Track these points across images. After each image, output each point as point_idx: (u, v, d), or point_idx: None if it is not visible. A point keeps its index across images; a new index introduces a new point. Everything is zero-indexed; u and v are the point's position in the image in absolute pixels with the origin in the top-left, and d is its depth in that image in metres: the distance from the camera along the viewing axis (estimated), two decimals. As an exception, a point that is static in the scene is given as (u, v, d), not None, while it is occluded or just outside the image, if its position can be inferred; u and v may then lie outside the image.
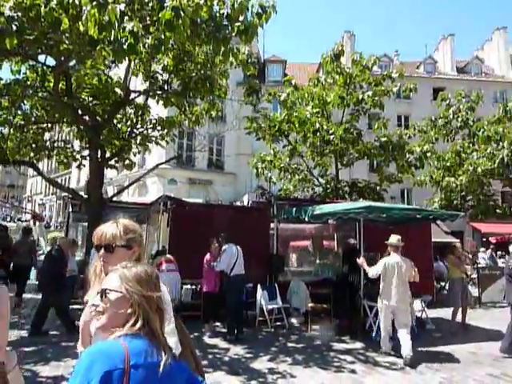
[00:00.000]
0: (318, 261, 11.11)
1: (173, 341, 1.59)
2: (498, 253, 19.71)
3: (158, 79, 9.04)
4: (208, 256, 7.17)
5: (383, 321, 6.06)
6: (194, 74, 8.38)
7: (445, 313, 8.96)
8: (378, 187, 12.94)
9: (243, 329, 6.97)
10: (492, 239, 22.35)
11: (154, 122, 10.30)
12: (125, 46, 4.56)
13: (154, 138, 10.51)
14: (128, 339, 1.21)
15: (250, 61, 8.37)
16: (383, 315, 6.05)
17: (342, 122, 12.52)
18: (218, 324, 7.69)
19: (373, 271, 6.16)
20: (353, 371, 5.32)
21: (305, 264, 11.58)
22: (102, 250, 1.68)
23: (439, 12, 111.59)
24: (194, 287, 8.00)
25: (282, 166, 13.21)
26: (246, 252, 7.20)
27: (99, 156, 9.13)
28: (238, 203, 16.17)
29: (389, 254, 6.24)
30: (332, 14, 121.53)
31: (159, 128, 10.35)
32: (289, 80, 12.49)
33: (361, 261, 6.55)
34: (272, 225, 9.02)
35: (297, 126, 11.81)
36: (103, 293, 1.27)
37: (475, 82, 27.38)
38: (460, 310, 7.78)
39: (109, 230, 1.70)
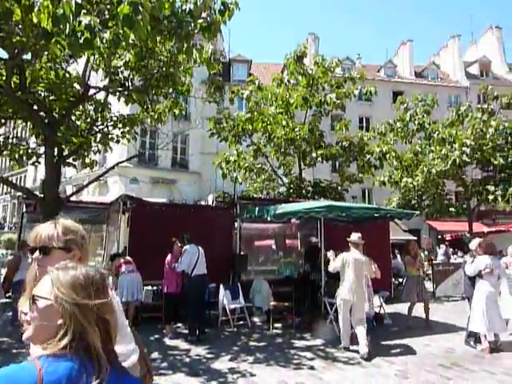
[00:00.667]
0: (281, 259, 11.23)
1: (130, 348, 1.52)
2: (451, 249, 20.75)
3: (119, 75, 8.79)
4: (169, 257, 7.07)
5: (341, 316, 6.19)
6: (155, 71, 8.23)
7: (402, 308, 9.32)
8: (339, 187, 13.25)
9: (205, 329, 6.94)
10: (447, 236, 23.49)
11: (114, 119, 10.01)
12: (81, 41, 4.41)
13: (114, 136, 10.21)
14: (48, 361, 0.98)
15: (213, 59, 8.32)
16: (341, 311, 6.18)
17: (305, 122, 12.72)
18: (179, 325, 7.62)
19: (331, 266, 6.33)
20: (312, 367, 5.42)
21: (268, 263, 11.68)
22: (37, 253, 1.53)
23: (400, 18, 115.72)
24: (155, 288, 7.86)
25: (246, 165, 13.24)
26: (209, 252, 7.17)
27: (56, 154, 8.76)
28: (203, 203, 16.05)
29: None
30: (298, 16, 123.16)
31: (120, 126, 10.06)
32: (252, 80, 12.54)
33: (330, 254, 6.62)
34: (235, 224, 9.04)
35: (260, 125, 11.88)
36: (32, 299, 1.09)
37: (432, 86, 28.62)
38: (417, 304, 8.11)
39: (45, 230, 1.56)
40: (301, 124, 12.55)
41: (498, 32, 34.03)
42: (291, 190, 12.95)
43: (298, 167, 13.11)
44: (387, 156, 13.28)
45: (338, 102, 11.93)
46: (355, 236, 6.33)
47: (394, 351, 6.09)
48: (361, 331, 5.89)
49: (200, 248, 6.92)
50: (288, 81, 12.28)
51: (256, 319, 8.33)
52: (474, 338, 6.34)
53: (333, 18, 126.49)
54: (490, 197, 14.08)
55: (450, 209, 15.84)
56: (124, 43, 5.84)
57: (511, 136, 14.01)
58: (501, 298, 6.58)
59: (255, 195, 13.62)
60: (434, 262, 15.03)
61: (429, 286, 12.71)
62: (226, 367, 5.36)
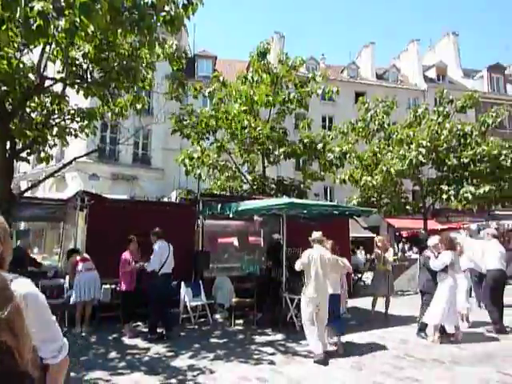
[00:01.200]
0: (244, 257, 11.27)
1: (59, 345, 1.49)
2: (407, 246, 21.64)
3: (77, 67, 8.47)
4: (127, 254, 6.90)
5: (305, 314, 5.85)
6: (116, 64, 8.00)
7: (360, 302, 9.64)
8: (302, 185, 13.46)
9: (171, 326, 6.88)
10: (403, 233, 24.44)
11: (72, 112, 9.65)
12: (34, 28, 4.22)
13: (72, 130, 9.85)
14: None
15: (177, 55, 8.20)
16: (306, 310, 5.83)
17: (269, 120, 12.80)
18: (138, 324, 7.49)
19: (297, 264, 6.01)
20: (273, 362, 5.50)
21: (231, 260, 11.69)
22: None
23: (363, 20, 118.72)
24: (113, 287, 7.68)
25: (210, 162, 13.16)
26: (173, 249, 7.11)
27: (8, 147, 8.34)
28: (166, 200, 15.80)
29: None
30: (265, 14, 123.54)
31: (79, 119, 9.71)
32: (217, 76, 12.47)
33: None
34: (198, 221, 8.98)
35: (224, 122, 11.84)
36: None
37: (392, 88, 29.57)
38: (383, 299, 8.43)
39: None
40: (264, 122, 12.62)
41: (455, 38, 35.65)
42: (255, 188, 13.01)
43: (262, 165, 13.19)
44: (347, 155, 13.61)
45: (302, 100, 12.08)
46: (316, 234, 6.16)
47: (350, 344, 6.27)
48: (321, 332, 5.69)
49: (170, 245, 6.86)
50: (252, 78, 12.30)
51: (218, 316, 8.33)
52: (424, 330, 6.63)
53: (299, 18, 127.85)
54: (444, 196, 14.77)
55: (407, 207, 16.45)
56: (82, 33, 5.66)
57: (464, 138, 14.74)
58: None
59: (219, 192, 13.57)
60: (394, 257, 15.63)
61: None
62: (186, 364, 5.33)
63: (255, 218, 9.86)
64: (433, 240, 6.95)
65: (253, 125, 11.76)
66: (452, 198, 14.46)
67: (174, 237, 7.26)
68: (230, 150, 13.16)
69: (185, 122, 11.97)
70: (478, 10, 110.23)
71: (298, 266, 5.99)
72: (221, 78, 12.24)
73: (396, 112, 17.11)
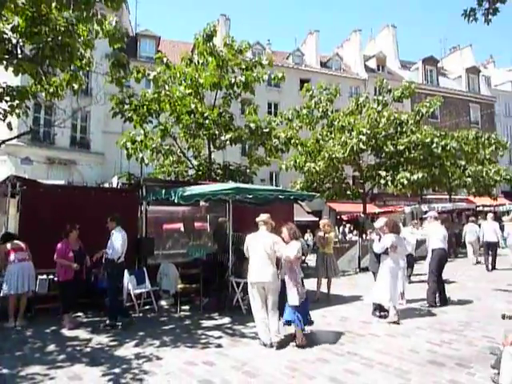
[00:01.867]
0: (190, 242, 11.18)
1: None
2: (346, 228, 22.66)
3: (5, 41, 7.75)
4: (63, 243, 6.57)
5: (251, 300, 5.72)
6: (50, 40, 7.42)
7: (306, 284, 9.95)
8: (248, 170, 13.53)
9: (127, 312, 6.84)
10: (344, 217, 25.54)
11: (0, 91, 8.86)
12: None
13: (1, 110, 9.05)
14: None
15: (118, 34, 7.75)
16: (252, 297, 5.69)
17: (215, 105, 12.64)
18: (79, 314, 7.22)
19: (244, 249, 5.93)
20: (220, 345, 5.56)
21: (177, 246, 11.54)
22: None
23: (310, 6, 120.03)
24: (50, 277, 7.27)
25: (153, 146, 12.78)
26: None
27: None
28: (107, 185, 15.16)
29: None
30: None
31: (8, 98, 8.95)
32: (160, 58, 12.02)
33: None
34: (141, 207, 8.71)
35: (167, 106, 11.49)
36: None
37: (335, 76, 30.41)
38: (325, 280, 8.77)
39: None
40: (210, 106, 12.44)
41: (394, 30, 37.25)
42: (200, 173, 12.86)
43: (208, 150, 13.05)
44: (292, 141, 13.86)
45: (248, 84, 12.02)
46: (264, 216, 5.96)
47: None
48: (272, 316, 5.54)
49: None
50: (197, 61, 12.02)
51: (163, 303, 8.23)
52: (379, 309, 6.97)
53: (245, 2, 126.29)
54: (382, 181, 15.59)
55: (348, 192, 17.16)
56: (11, 4, 5.18)
57: (400, 126, 15.58)
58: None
59: (163, 177, 13.26)
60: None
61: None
62: (131, 353, 5.24)
63: (201, 203, 9.77)
64: (379, 222, 7.31)
65: (199, 109, 11.54)
66: (389, 183, 15.30)
67: (116, 223, 7.00)
68: (174, 134, 12.85)
69: (126, 106, 11.43)
70: (418, 4, 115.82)
71: (246, 251, 5.89)
72: (164, 60, 11.83)
73: (339, 100, 17.65)
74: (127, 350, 5.36)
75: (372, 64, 34.38)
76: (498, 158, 24.34)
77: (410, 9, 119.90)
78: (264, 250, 5.60)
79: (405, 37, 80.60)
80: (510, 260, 12.50)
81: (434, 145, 15.32)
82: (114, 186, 12.82)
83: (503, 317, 4.88)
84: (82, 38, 7.87)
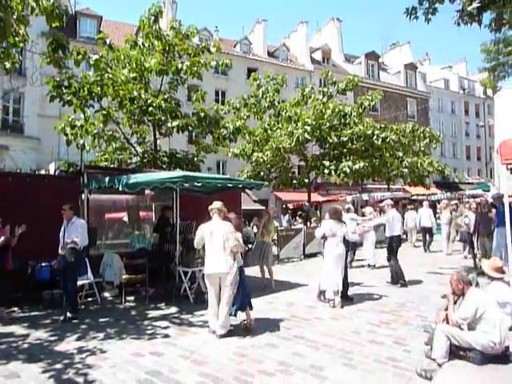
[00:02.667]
0: (134, 232, 10.83)
1: None
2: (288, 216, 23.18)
3: None
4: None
5: (208, 292, 5.67)
6: (-24, 11, 6.72)
7: (250, 271, 10.08)
8: (195, 158, 13.31)
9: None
10: (290, 205, 26.13)
11: None
12: None
13: None
14: None
15: (56, 11, 7.18)
16: (208, 288, 5.66)
17: (161, 90, 12.25)
18: (14, 309, 6.77)
19: (196, 241, 5.74)
20: (167, 335, 5.49)
21: (121, 236, 11.15)
22: None
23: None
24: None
25: (95, 132, 12.14)
26: (51, 226, 6.48)
27: None
28: (43, 172, 14.20)
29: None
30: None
31: None
32: (103, 38, 11.34)
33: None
34: (82, 196, 8.28)
35: (110, 89, 10.93)
36: None
37: (282, 67, 30.70)
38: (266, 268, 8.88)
39: None
40: (156, 92, 12.02)
41: (339, 23, 38.23)
42: (146, 161, 12.44)
43: (153, 136, 12.65)
44: (240, 131, 13.84)
45: (195, 69, 11.73)
46: (218, 203, 5.80)
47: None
48: (222, 309, 5.42)
49: None
50: (143, 44, 11.51)
51: (107, 294, 7.96)
52: (323, 293, 7.21)
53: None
54: (326, 171, 16.08)
55: (294, 181, 17.53)
56: None
57: (344, 118, 16.10)
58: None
59: (107, 165, 12.67)
60: (278, 228, 16.60)
61: (273, 249, 14.05)
62: (73, 347, 5.01)
63: (146, 191, 9.50)
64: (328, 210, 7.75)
65: (143, 96, 11.08)
66: (333, 172, 15.82)
67: (54, 213, 6.62)
68: (117, 119, 12.28)
69: (65, 90, 10.67)
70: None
71: (195, 242, 5.74)
72: (107, 40, 11.19)
73: (285, 90, 17.86)
74: (69, 345, 5.13)
75: (318, 56, 35.12)
76: (431, 151, 26.05)
77: (355, 3, 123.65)
78: (220, 239, 5.46)
79: (349, 31, 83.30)
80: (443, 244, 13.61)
81: (375, 137, 16.03)
82: (51, 172, 12.06)
83: (443, 296, 5.30)
84: (15, 13, 7.21)
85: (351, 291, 7.66)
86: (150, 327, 5.89)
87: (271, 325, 5.87)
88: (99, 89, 10.88)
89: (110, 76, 10.89)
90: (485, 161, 44.44)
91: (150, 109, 11.01)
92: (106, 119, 11.63)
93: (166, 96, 11.50)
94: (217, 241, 5.48)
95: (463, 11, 5.84)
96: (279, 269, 11.22)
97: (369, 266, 11.12)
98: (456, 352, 4.23)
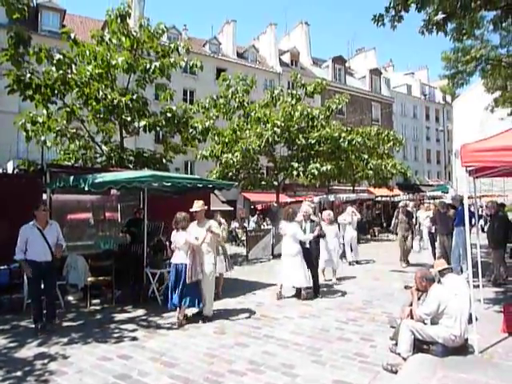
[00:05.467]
0: (99, 233, 10.53)
1: None
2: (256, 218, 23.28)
3: None
4: None
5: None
6: None
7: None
8: (163, 158, 13.09)
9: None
10: (258, 206, 26.22)
11: None
12: None
13: None
14: None
15: (17, 4, 6.85)
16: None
17: (128, 88, 11.98)
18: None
19: (194, 242, 6.03)
20: (135, 338, 5.38)
21: (86, 237, 10.78)
22: None
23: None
24: None
25: (58, 129, 11.70)
26: (9, 228, 6.18)
27: None
28: (0, 171, 13.53)
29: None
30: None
31: None
32: (67, 32, 10.95)
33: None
34: (44, 196, 7.95)
35: (75, 87, 10.56)
36: None
37: (251, 68, 30.78)
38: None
39: None
40: (122, 89, 11.74)
41: (307, 27, 38.81)
42: (111, 160, 12.10)
43: (120, 135, 12.34)
44: (209, 131, 13.76)
45: (164, 70, 11.55)
46: (199, 203, 6.26)
47: (212, 312, 6.51)
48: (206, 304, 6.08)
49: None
50: (110, 40, 11.21)
51: (71, 298, 7.69)
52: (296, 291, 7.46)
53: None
54: (294, 172, 16.26)
55: (262, 182, 17.60)
56: None
57: (312, 120, 16.33)
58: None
59: (72, 163, 12.24)
60: (247, 229, 16.64)
61: (242, 250, 14.09)
62: (34, 354, 4.81)
63: (112, 191, 9.26)
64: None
65: (109, 96, 10.77)
66: (301, 173, 16.02)
67: (13, 213, 6.34)
68: (82, 117, 11.90)
69: (25, 86, 10.18)
70: (331, 4, 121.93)
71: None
72: (72, 35, 10.82)
73: (255, 91, 17.91)
74: (29, 351, 4.91)
75: (286, 58, 35.49)
76: (394, 153, 26.91)
77: (324, 8, 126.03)
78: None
79: (317, 35, 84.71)
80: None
81: (341, 139, 16.37)
82: (9, 171, 11.52)
83: (406, 287, 5.50)
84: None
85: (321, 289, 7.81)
86: (116, 330, 5.74)
87: (241, 325, 5.88)
88: (62, 87, 10.48)
89: (75, 72, 10.54)
90: (444, 164, 46.44)
91: (117, 110, 10.75)
92: (70, 117, 11.24)
93: (134, 96, 11.22)
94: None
95: (429, 21, 6.09)
96: (248, 269, 11.26)
97: (349, 263, 11.56)
98: (420, 346, 4.41)
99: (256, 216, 23.04)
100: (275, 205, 18.63)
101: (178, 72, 17.16)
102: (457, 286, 4.91)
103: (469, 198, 5.81)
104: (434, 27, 5.99)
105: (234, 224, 20.81)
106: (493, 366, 4.10)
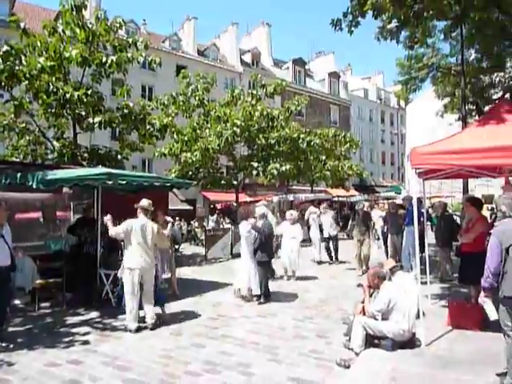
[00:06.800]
0: (49, 233, 10.04)
1: None
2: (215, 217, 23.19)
3: None
4: None
5: (126, 285, 5.74)
6: None
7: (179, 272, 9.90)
8: (119, 155, 12.71)
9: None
10: (218, 205, 26.11)
11: None
12: None
13: None
14: None
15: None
16: (125, 279, 5.74)
17: (82, 82, 11.53)
18: None
19: (116, 230, 5.81)
20: (87, 342, 5.19)
21: (35, 237, 10.24)
22: None
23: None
24: None
25: (5, 123, 11.06)
26: None
27: None
28: None
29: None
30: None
31: None
32: (16, 21, 10.36)
33: (107, 218, 6.05)
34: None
35: (23, 80, 10.01)
36: None
37: (212, 66, 30.54)
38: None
39: None
40: (76, 83, 11.27)
41: (268, 28, 39.08)
42: (64, 157, 11.59)
43: (73, 131, 11.85)
44: (168, 129, 13.54)
45: (121, 65, 11.21)
46: (145, 202, 6.04)
47: (168, 313, 6.41)
48: (146, 303, 5.77)
49: None
50: (63, 31, 10.71)
51: (17, 302, 7.27)
52: (250, 291, 7.34)
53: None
54: (254, 172, 16.36)
55: (222, 181, 17.57)
56: None
57: (272, 121, 16.50)
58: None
59: (21, 159, 11.61)
60: (206, 228, 16.54)
61: (201, 250, 13.99)
62: (-25, 361, 4.51)
63: (64, 189, 8.88)
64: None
65: (61, 90, 10.29)
66: (261, 173, 16.14)
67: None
68: (32, 111, 11.31)
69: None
70: (292, 7, 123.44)
71: (112, 232, 5.84)
72: (22, 24, 10.24)
73: (215, 90, 17.82)
74: (-30, 359, 4.60)
75: (247, 58, 35.57)
76: (351, 155, 27.72)
77: (285, 10, 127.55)
78: (145, 236, 5.78)
79: (279, 36, 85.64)
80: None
81: (300, 140, 16.66)
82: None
83: (359, 285, 5.67)
84: None
85: (278, 288, 7.90)
86: (67, 334, 5.51)
87: (198, 325, 5.84)
88: (10, 79, 9.90)
89: (24, 64, 9.99)
90: (397, 166, 48.48)
91: (69, 104, 10.31)
92: (18, 110, 10.65)
93: (88, 91, 10.79)
94: (142, 237, 5.76)
95: (383, 28, 6.33)
96: (207, 269, 11.19)
97: (318, 262, 11.68)
98: (371, 341, 4.58)
99: (216, 215, 22.93)
100: (235, 204, 18.64)
101: (136, 67, 16.66)
102: (406, 283, 5.14)
103: (418, 198, 6.10)
104: (388, 34, 6.22)
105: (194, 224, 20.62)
106: (437, 358, 4.33)
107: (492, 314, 3.70)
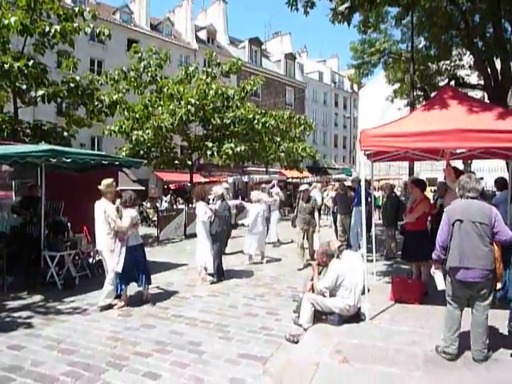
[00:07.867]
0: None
1: None
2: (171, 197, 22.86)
3: None
4: None
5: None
6: None
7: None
8: (65, 132, 12.03)
9: None
10: (172, 186, 25.68)
11: None
12: None
13: None
14: None
15: None
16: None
17: (23, 52, 10.70)
18: None
19: (124, 224, 5.73)
20: (29, 325, 4.97)
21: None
22: None
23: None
24: None
25: None
26: None
27: None
28: None
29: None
30: None
31: None
32: None
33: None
34: None
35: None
36: None
37: (166, 42, 29.45)
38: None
39: None
40: (17, 53, 10.46)
41: (224, 5, 38.14)
42: (3, 132, 10.80)
43: (14, 105, 11.04)
44: (118, 105, 12.97)
45: (66, 35, 10.49)
46: (104, 182, 6.09)
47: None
48: (106, 284, 5.79)
49: None
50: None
51: (-49, 286, 6.79)
52: (205, 270, 7.32)
53: None
54: (209, 152, 16.14)
55: (176, 161, 17.19)
56: None
57: (227, 100, 16.25)
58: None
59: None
60: (159, 209, 16.24)
61: (153, 231, 13.76)
62: None
63: (4, 167, 8.32)
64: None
65: (3, 59, 9.51)
66: (215, 153, 15.96)
67: None
68: (-35, 81, 10.37)
69: None
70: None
71: (122, 227, 5.71)
72: None
73: (169, 67, 17.22)
74: None
75: (203, 35, 34.63)
76: (305, 137, 28.12)
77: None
78: (100, 217, 5.83)
79: (235, 14, 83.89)
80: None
81: (256, 121, 16.58)
82: None
83: (308, 264, 5.80)
84: None
85: (232, 267, 7.96)
86: (8, 319, 5.24)
87: (148, 305, 5.77)
88: None
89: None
90: (349, 149, 49.93)
91: (9, 75, 9.55)
92: None
93: (30, 62, 10.02)
94: (98, 219, 5.89)
95: (335, 10, 6.35)
96: (158, 250, 11.02)
97: (273, 243, 11.52)
98: (319, 316, 4.76)
99: (169, 196, 22.55)
100: (189, 184, 18.38)
101: (84, 40, 15.74)
102: (353, 260, 5.36)
103: (366, 180, 6.31)
104: (341, 17, 6.26)
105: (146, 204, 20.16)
106: (380, 330, 4.59)
107: (440, 286, 3.97)
